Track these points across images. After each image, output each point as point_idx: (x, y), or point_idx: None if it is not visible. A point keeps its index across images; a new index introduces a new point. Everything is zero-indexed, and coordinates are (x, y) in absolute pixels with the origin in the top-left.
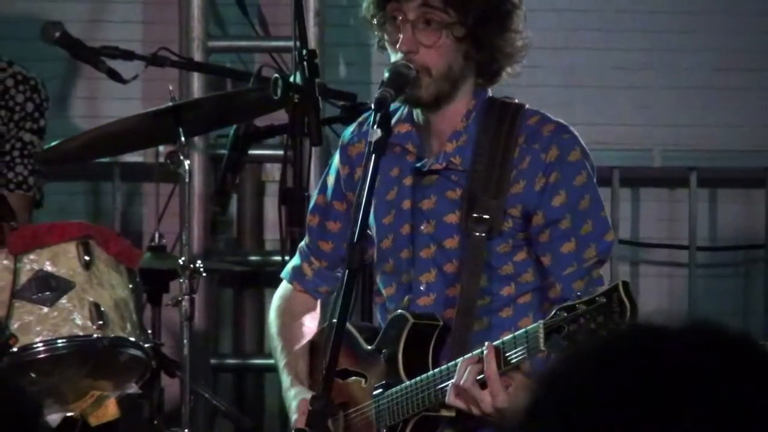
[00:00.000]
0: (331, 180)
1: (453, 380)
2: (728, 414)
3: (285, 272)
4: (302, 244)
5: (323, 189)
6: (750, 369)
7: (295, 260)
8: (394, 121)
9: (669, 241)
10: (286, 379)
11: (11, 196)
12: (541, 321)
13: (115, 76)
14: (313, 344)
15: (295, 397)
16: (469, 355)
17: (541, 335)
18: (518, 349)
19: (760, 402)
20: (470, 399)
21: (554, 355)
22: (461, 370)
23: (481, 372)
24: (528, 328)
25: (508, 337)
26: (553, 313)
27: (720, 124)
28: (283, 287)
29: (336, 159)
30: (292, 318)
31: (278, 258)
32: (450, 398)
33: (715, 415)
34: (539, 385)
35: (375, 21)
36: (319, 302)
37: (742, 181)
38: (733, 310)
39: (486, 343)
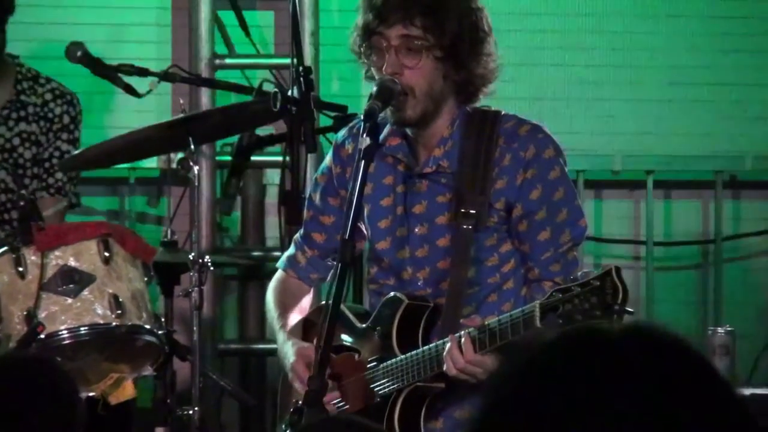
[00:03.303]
0: (323, 178)
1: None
2: (656, 416)
3: (280, 262)
4: (297, 235)
5: (316, 187)
6: (681, 374)
7: (290, 250)
8: (385, 133)
9: (629, 237)
10: (282, 337)
11: (50, 200)
12: (538, 301)
13: (131, 90)
14: (307, 321)
15: (293, 345)
16: (456, 335)
17: (537, 314)
18: (502, 329)
19: (686, 402)
20: (468, 373)
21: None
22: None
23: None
24: (525, 307)
25: (504, 315)
26: (549, 294)
27: (674, 132)
28: (278, 274)
29: (329, 158)
30: (288, 295)
31: (278, 253)
32: (450, 371)
33: (642, 416)
34: (485, 390)
35: (362, 52)
36: (312, 288)
37: (693, 184)
38: (687, 299)
39: (462, 332)
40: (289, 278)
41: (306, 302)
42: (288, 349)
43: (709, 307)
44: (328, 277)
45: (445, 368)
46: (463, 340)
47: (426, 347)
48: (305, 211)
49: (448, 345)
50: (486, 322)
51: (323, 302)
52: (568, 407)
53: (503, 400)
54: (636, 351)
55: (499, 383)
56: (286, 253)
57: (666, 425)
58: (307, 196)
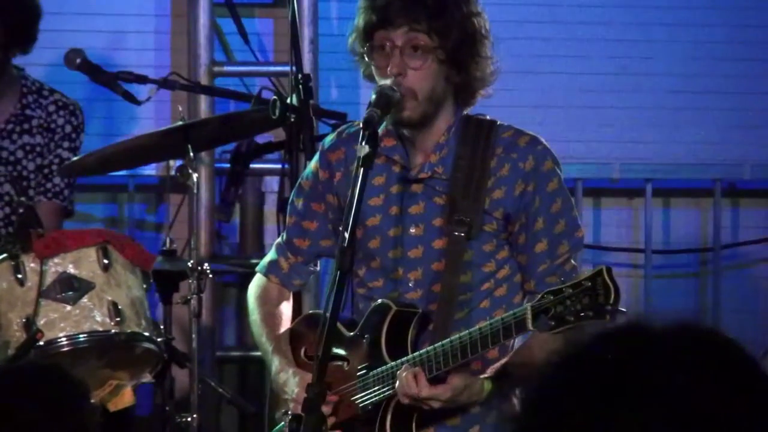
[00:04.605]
0: (308, 183)
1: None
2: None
3: (261, 266)
4: (279, 240)
5: (300, 192)
6: (728, 372)
7: (272, 255)
8: (380, 134)
9: (627, 245)
10: (277, 361)
11: (48, 203)
12: (529, 304)
13: (130, 98)
14: (292, 332)
15: (295, 375)
16: (408, 370)
17: (529, 316)
18: (494, 333)
19: (734, 403)
20: (420, 402)
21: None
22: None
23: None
24: (516, 310)
25: (496, 318)
26: (540, 296)
27: (673, 140)
28: (259, 279)
29: (314, 163)
30: (272, 306)
31: None
32: (402, 400)
33: (690, 413)
34: (529, 386)
35: (363, 50)
36: (291, 293)
37: (692, 192)
38: (685, 307)
39: (408, 369)
40: (270, 284)
41: (288, 309)
42: (289, 378)
43: (707, 315)
44: (326, 285)
45: (397, 393)
46: (415, 374)
47: (416, 353)
48: (288, 217)
49: (403, 374)
50: (478, 326)
51: (310, 312)
52: (617, 400)
53: (551, 393)
54: (683, 345)
55: (548, 376)
56: (267, 258)
57: (714, 417)
58: (291, 201)
